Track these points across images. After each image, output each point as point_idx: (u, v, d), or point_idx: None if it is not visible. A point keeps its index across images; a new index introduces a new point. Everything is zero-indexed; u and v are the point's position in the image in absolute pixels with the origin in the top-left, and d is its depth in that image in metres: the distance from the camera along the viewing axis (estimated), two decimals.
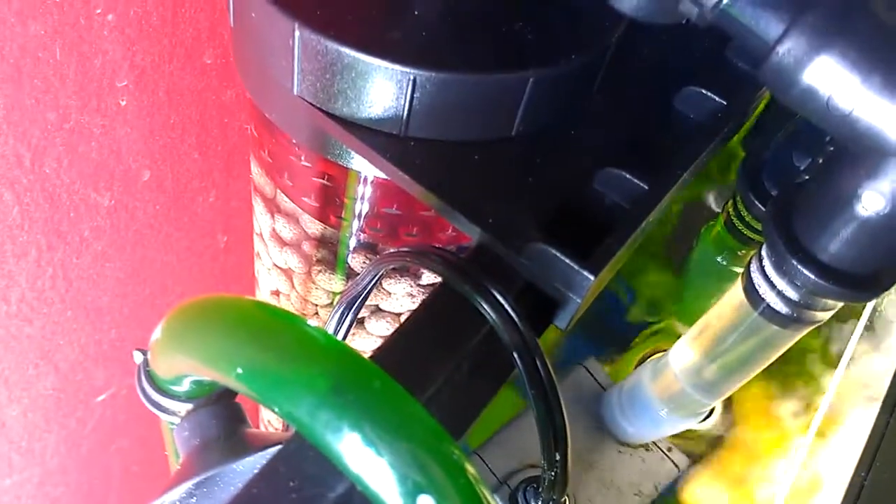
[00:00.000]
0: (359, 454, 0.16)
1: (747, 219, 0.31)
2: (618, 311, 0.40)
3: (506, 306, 0.21)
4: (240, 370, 0.17)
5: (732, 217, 0.32)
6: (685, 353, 0.28)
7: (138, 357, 0.22)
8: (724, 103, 0.26)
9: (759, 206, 0.31)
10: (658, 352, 0.33)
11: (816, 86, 0.19)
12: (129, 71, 0.37)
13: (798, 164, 0.29)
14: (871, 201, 0.19)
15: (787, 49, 0.19)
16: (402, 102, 0.23)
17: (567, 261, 0.21)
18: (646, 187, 0.23)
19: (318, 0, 0.23)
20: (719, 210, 0.35)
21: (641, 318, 0.35)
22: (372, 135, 0.23)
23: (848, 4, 0.18)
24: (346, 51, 0.22)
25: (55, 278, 0.41)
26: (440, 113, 0.23)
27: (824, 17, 0.18)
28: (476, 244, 0.23)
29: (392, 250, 0.24)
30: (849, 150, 0.20)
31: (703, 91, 0.26)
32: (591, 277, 0.20)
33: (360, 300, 0.26)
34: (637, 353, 0.33)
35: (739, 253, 0.34)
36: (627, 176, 0.23)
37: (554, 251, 0.21)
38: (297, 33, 0.22)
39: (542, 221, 0.22)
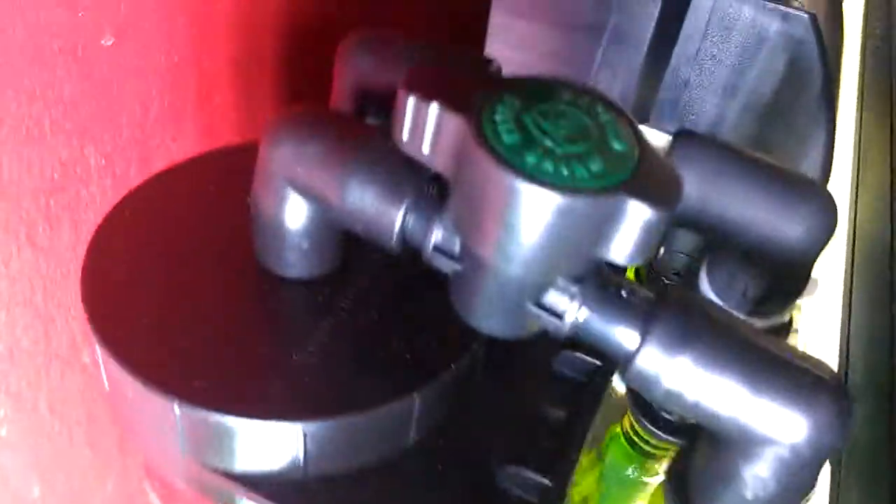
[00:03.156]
0: None
1: (645, 437, 0.33)
2: None
3: None
4: None
5: (632, 435, 0.33)
6: None
7: None
8: (598, 363, 0.27)
9: (652, 428, 0.32)
10: None
11: (678, 389, 0.20)
12: (4, 399, 0.35)
13: None
14: (753, 483, 0.20)
15: (644, 362, 0.20)
16: (299, 453, 0.23)
17: None
18: (548, 483, 0.24)
19: (194, 368, 0.23)
20: None
21: None
22: (274, 486, 0.23)
23: (688, 315, 0.20)
24: (233, 419, 0.22)
25: None
26: (338, 451, 0.23)
27: (671, 330, 0.20)
28: None
29: None
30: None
31: (577, 354, 0.28)
32: None
33: None
34: None
35: (646, 465, 0.35)
36: (528, 474, 0.24)
37: None
38: (177, 410, 0.22)
39: None
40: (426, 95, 0.19)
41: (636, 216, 0.18)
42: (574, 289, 0.21)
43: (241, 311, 0.25)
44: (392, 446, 0.24)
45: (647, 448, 0.33)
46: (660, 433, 0.32)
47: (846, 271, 0.36)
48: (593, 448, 0.40)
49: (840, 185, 0.43)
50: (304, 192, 0.23)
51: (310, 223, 0.24)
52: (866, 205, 0.38)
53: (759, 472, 0.20)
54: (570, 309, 0.21)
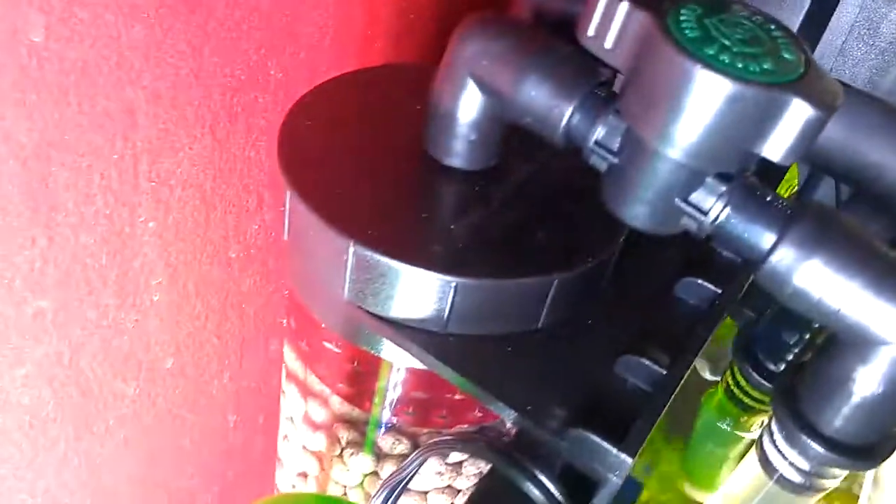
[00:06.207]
0: None
1: (746, 388, 0.34)
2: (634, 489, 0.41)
3: (551, 489, 0.23)
4: None
5: (732, 387, 0.35)
6: None
7: None
8: (719, 291, 0.29)
9: (757, 377, 0.34)
10: None
11: (807, 288, 0.22)
12: (163, 269, 0.40)
13: (787, 340, 0.32)
14: (864, 384, 0.22)
15: (779, 259, 0.22)
16: (445, 305, 0.26)
17: (605, 445, 0.23)
18: (664, 372, 0.26)
19: (368, 221, 0.26)
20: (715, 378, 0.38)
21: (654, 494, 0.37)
22: (417, 333, 0.26)
23: (825, 220, 0.22)
24: (397, 264, 0.25)
25: (79, 469, 0.42)
26: (477, 313, 0.26)
27: (808, 231, 0.22)
28: (517, 430, 0.25)
29: (439, 438, 0.26)
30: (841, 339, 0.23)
31: (699, 281, 0.30)
32: (629, 460, 0.23)
33: (403, 485, 0.28)
34: None
35: (742, 419, 0.36)
36: (646, 362, 0.26)
37: (593, 436, 0.23)
38: (351, 249, 0.25)
39: (575, 407, 0.25)
40: None
41: (798, 114, 0.20)
42: (722, 188, 0.23)
43: (409, 187, 0.28)
44: (524, 321, 0.27)
45: (746, 400, 0.35)
46: (763, 382, 0.34)
47: None
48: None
49: None
50: (484, 84, 0.26)
51: (481, 115, 0.27)
52: None
53: (871, 373, 0.22)
54: (714, 207, 0.23)
